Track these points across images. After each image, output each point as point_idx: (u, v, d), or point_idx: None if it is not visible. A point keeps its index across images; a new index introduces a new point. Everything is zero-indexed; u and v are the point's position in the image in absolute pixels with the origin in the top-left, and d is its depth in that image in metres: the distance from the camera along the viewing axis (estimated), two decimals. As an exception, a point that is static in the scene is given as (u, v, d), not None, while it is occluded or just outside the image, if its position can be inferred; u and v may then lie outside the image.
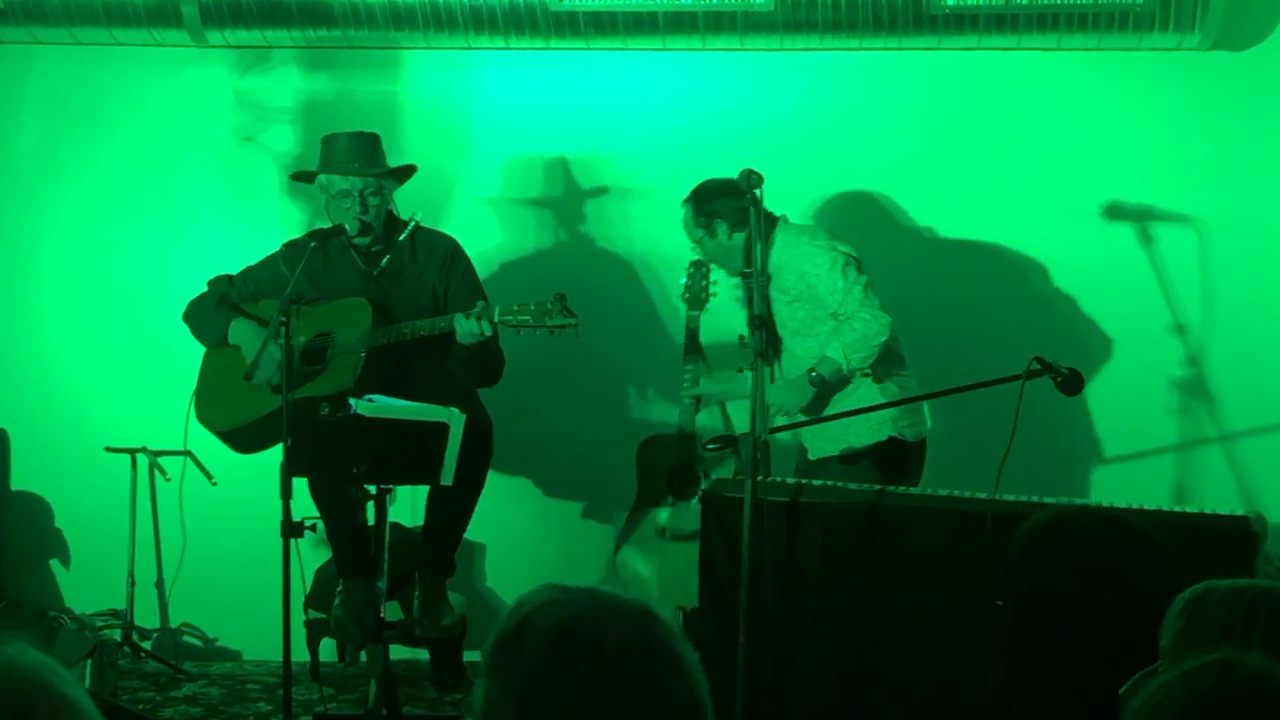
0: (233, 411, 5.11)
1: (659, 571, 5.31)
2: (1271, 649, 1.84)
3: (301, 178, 5.30)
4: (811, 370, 4.91)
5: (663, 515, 5.39)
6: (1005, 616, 2.59)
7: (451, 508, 5.07)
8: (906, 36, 5.56)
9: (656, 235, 5.85)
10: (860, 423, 4.93)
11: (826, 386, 4.96)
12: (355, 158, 5.08)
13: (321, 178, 5.14)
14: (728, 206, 5.04)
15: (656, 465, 5.43)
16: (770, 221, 4.98)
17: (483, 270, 5.44)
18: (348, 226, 5.03)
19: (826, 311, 4.97)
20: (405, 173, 5.21)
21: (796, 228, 5.13)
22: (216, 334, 5.19)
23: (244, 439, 5.14)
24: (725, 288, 5.39)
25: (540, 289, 5.68)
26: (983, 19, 5.47)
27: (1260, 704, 1.53)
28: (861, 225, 5.77)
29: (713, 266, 5.34)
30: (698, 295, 5.36)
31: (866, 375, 5.01)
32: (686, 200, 5.16)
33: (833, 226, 5.40)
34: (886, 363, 5.05)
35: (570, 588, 1.63)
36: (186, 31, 5.75)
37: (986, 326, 5.68)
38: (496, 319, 4.77)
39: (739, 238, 5.06)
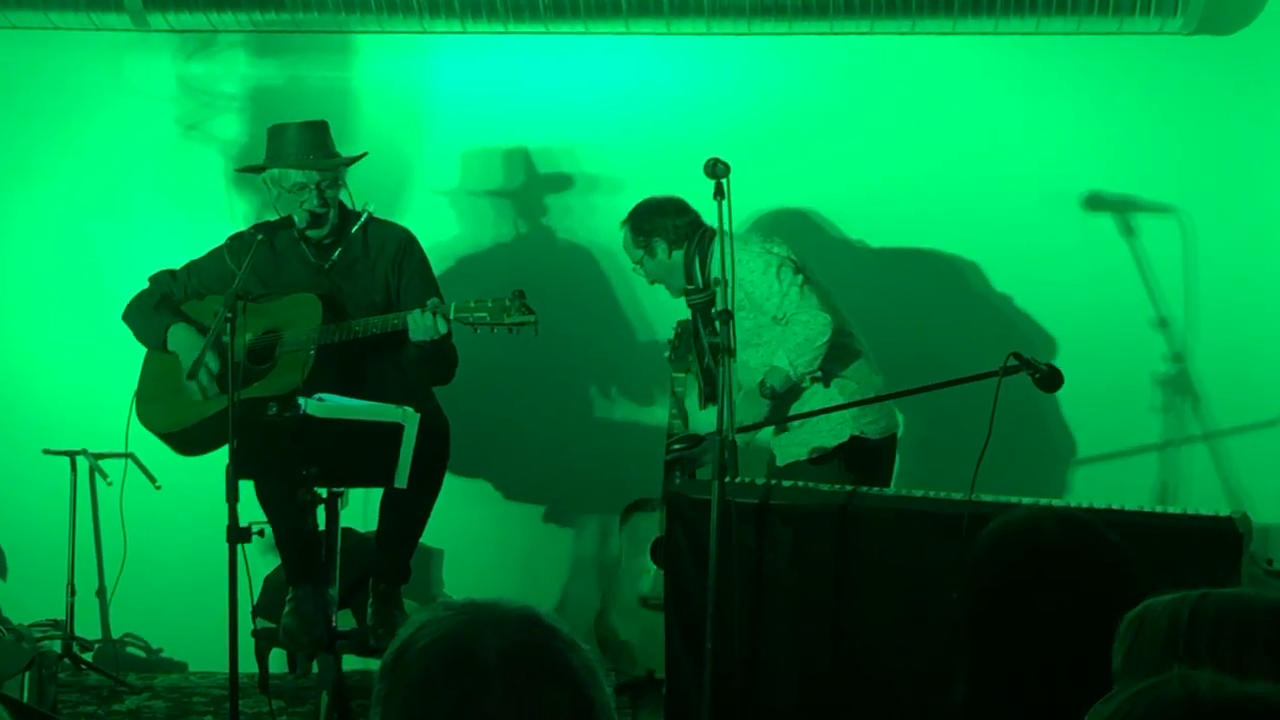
0: (175, 413, 5.00)
1: (640, 637, 5.29)
2: (1216, 655, 1.84)
3: (250, 171, 5.14)
4: (762, 382, 4.90)
5: (645, 583, 5.37)
6: (964, 626, 2.52)
7: (406, 512, 4.97)
8: (879, 20, 5.47)
9: (613, 226, 5.68)
10: (823, 422, 4.93)
11: (780, 396, 4.94)
12: (309, 149, 4.97)
13: (273, 171, 5.01)
14: (665, 225, 5.10)
15: (641, 534, 5.43)
16: (707, 235, 5.01)
17: (439, 263, 5.35)
18: (297, 219, 4.92)
19: (768, 317, 4.95)
20: (357, 160, 5.12)
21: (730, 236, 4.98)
22: (155, 338, 5.07)
23: (188, 441, 5.03)
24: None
25: (499, 282, 5.62)
26: (958, 2, 5.38)
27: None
28: (834, 213, 5.72)
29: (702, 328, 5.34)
30: (684, 357, 5.39)
31: (817, 379, 4.98)
32: (624, 222, 5.17)
33: (782, 223, 5.31)
34: (838, 361, 5.01)
35: (456, 603, 1.62)
36: (128, 15, 5.63)
37: (963, 320, 5.60)
38: (452, 316, 4.69)
39: (679, 255, 5.11)
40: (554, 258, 5.86)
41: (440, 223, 5.79)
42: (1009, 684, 2.42)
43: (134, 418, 5.07)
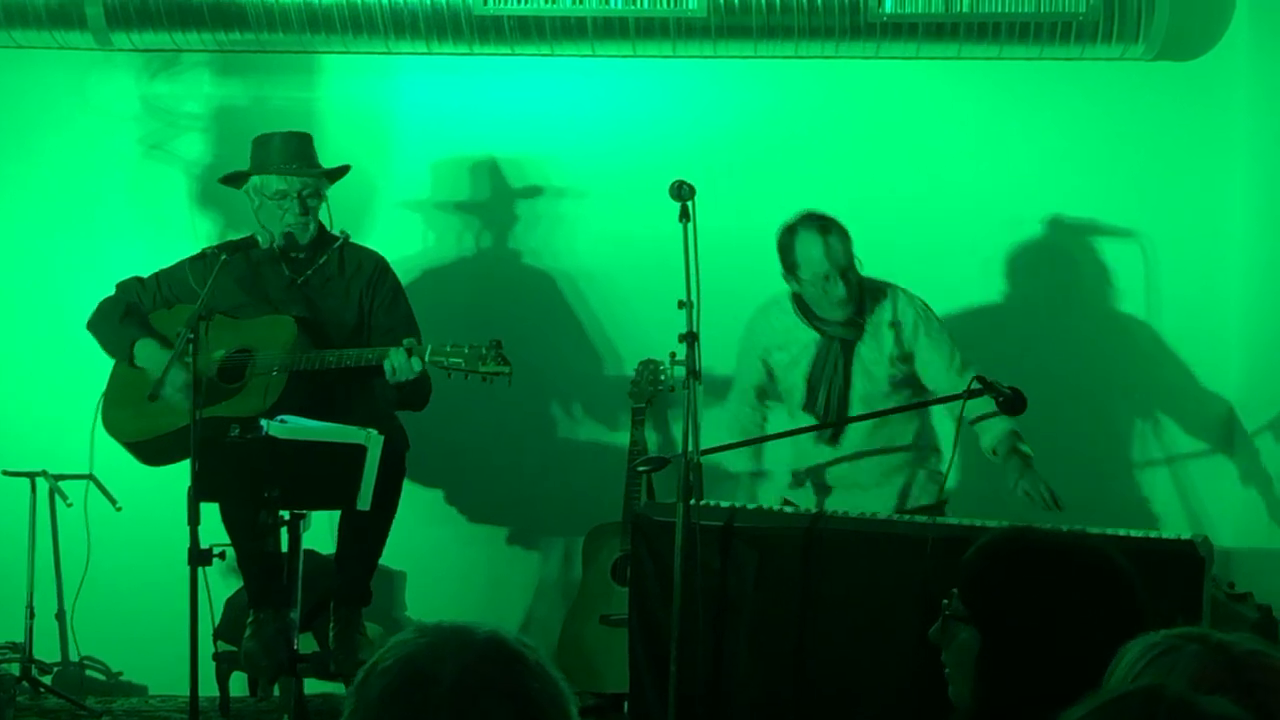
0: (142, 421, 4.93)
1: (603, 657, 5.28)
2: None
3: (231, 181, 5.12)
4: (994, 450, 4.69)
5: (606, 601, 5.38)
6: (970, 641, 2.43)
7: (366, 534, 4.93)
8: (844, 43, 5.47)
9: (584, 245, 5.79)
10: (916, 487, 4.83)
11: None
12: (292, 158, 4.98)
13: (255, 179, 5.01)
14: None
15: (603, 555, 5.43)
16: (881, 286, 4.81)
17: (405, 276, 5.31)
18: (261, 239, 4.92)
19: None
20: (340, 174, 5.12)
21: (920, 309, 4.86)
22: (122, 352, 5.01)
23: (152, 451, 4.97)
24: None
25: (463, 298, 5.60)
26: (922, 27, 5.40)
27: None
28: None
29: (661, 366, 5.36)
30: (643, 391, 5.41)
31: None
32: (837, 232, 4.75)
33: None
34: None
35: (429, 625, 1.64)
36: (91, 34, 5.58)
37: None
38: (428, 359, 4.67)
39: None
40: (517, 274, 5.83)
41: (406, 239, 5.78)
42: (1005, 699, 2.37)
43: (99, 430, 4.99)
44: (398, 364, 4.65)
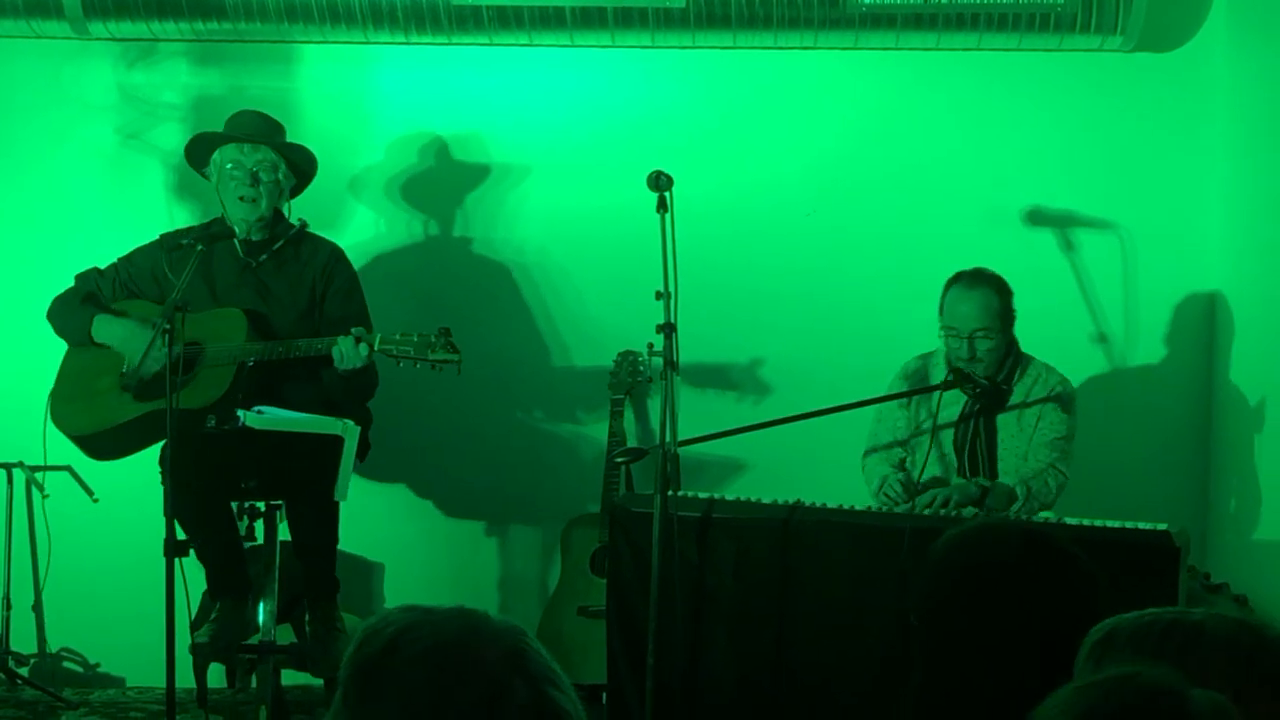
0: (91, 415, 4.91)
1: (582, 645, 5.25)
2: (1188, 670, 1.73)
3: (195, 156, 5.07)
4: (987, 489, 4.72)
5: (584, 593, 5.37)
6: (918, 637, 2.47)
7: (330, 523, 4.90)
8: (823, 33, 5.46)
9: (560, 236, 5.76)
10: None
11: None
12: (253, 131, 4.98)
13: (216, 154, 4.98)
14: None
15: (581, 546, 5.43)
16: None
17: (373, 268, 5.32)
18: (238, 229, 4.90)
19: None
20: (305, 160, 5.09)
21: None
22: (79, 331, 4.98)
23: (102, 445, 4.95)
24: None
25: (435, 289, 5.59)
26: (901, 17, 5.40)
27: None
28: (773, 227, 5.70)
29: (640, 357, 5.37)
30: (622, 382, 5.43)
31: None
32: (995, 285, 4.79)
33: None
34: None
35: (433, 608, 1.62)
36: (67, 22, 5.54)
37: (902, 335, 5.53)
38: (377, 347, 4.69)
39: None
40: (496, 267, 5.81)
41: (377, 228, 5.78)
42: (961, 698, 2.39)
43: (50, 421, 4.97)
44: (345, 350, 4.66)
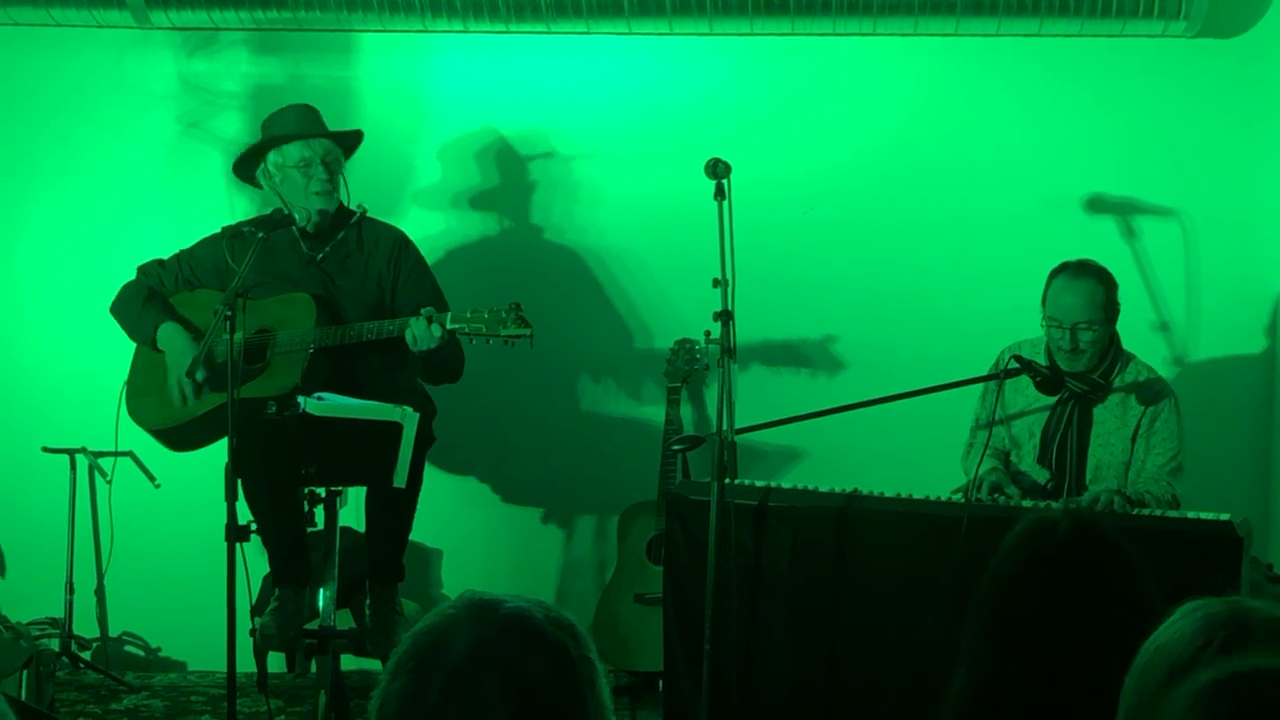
0: (166, 408, 4.93)
1: (638, 632, 5.28)
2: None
3: (245, 167, 5.08)
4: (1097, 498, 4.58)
5: (640, 580, 5.37)
6: (971, 626, 2.46)
7: (398, 510, 4.91)
8: (882, 20, 5.43)
9: (617, 225, 5.75)
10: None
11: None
12: (310, 124, 4.97)
13: (273, 155, 4.97)
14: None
15: (637, 534, 5.43)
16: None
17: (433, 257, 5.32)
18: (298, 216, 4.86)
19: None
20: (356, 139, 5.09)
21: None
22: (144, 336, 5.02)
23: (179, 437, 4.99)
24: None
25: (498, 278, 5.66)
26: (960, 4, 5.36)
27: None
28: (834, 215, 5.68)
29: (697, 345, 5.34)
30: (678, 370, 5.41)
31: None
32: (1102, 279, 4.73)
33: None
34: None
35: (465, 597, 1.63)
36: (129, 12, 5.59)
37: (963, 323, 5.53)
38: (449, 325, 4.66)
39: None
40: (547, 253, 5.81)
41: (438, 218, 5.79)
42: (1024, 686, 2.37)
43: (124, 412, 5.02)
44: (418, 332, 4.64)
